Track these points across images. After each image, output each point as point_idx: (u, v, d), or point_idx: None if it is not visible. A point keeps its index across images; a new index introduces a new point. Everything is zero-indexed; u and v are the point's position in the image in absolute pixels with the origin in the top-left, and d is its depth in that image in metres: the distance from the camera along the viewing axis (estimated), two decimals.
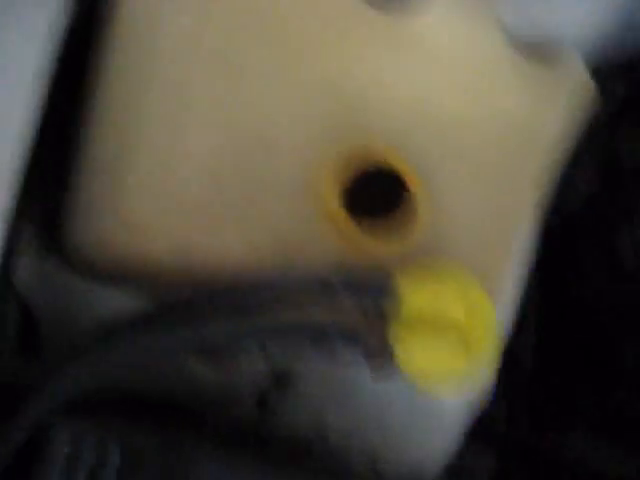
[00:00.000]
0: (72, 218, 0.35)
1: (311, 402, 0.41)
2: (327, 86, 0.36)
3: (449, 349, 0.33)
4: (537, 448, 0.52)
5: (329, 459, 0.41)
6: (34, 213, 0.38)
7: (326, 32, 0.36)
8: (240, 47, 0.35)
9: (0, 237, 0.32)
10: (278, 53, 0.35)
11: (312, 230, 0.36)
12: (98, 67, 0.35)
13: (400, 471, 0.43)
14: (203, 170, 0.35)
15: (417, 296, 0.33)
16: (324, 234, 0.36)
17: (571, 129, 0.40)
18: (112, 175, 0.35)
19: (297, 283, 0.33)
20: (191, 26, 0.34)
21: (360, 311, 0.33)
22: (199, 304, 0.33)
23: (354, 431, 0.42)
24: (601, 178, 0.51)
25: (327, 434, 0.41)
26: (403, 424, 0.42)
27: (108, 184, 0.35)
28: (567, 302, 0.52)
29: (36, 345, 0.39)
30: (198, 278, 0.35)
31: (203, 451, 0.34)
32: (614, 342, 0.50)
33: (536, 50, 0.41)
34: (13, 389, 0.33)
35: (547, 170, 0.40)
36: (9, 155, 0.32)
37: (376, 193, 0.37)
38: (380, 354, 0.33)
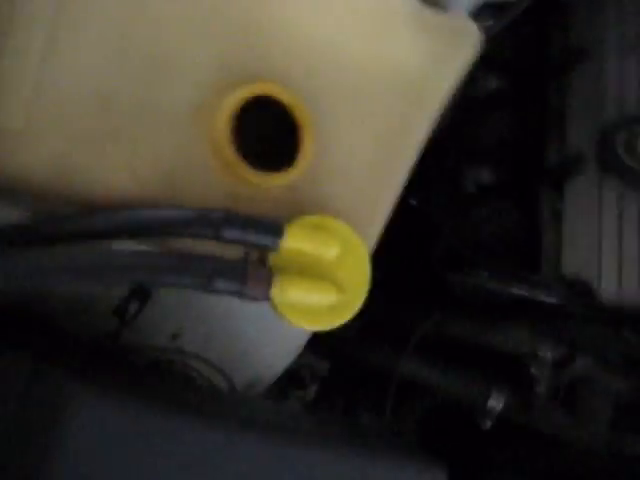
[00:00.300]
0: None
1: (168, 312, 0.42)
2: (228, 10, 0.35)
3: (322, 289, 0.35)
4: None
5: (183, 368, 0.42)
6: None
7: None
8: None
9: None
10: None
11: (199, 162, 0.35)
12: None
13: (247, 375, 0.46)
14: (90, 86, 0.33)
15: (296, 238, 0.34)
16: (211, 166, 0.35)
17: (458, 75, 0.41)
18: None
19: (181, 213, 0.33)
20: None
21: (242, 247, 0.34)
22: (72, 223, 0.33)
23: (207, 342, 0.43)
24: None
25: (182, 344, 0.43)
26: (252, 337, 0.44)
27: None
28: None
29: None
30: (77, 199, 0.33)
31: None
32: None
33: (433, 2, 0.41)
34: None
35: (433, 114, 0.41)
36: None
37: (264, 126, 0.37)
38: (256, 291, 0.33)
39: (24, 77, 0.32)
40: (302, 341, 0.46)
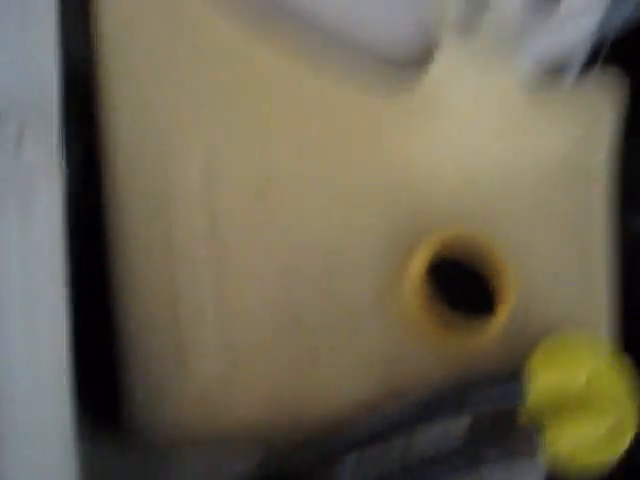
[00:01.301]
0: (135, 398, 0.33)
1: None
2: (374, 184, 0.34)
3: (589, 420, 0.31)
4: None
5: None
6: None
7: (354, 133, 0.34)
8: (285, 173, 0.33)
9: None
10: (319, 165, 0.33)
11: (406, 339, 0.33)
12: None
13: None
14: (274, 311, 0.32)
15: (541, 377, 0.31)
16: (417, 336, 0.33)
17: (612, 142, 0.38)
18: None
19: (425, 402, 0.31)
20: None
21: (495, 414, 0.31)
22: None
23: None
24: None
25: None
26: None
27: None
28: None
29: None
30: (293, 427, 0.32)
31: None
32: None
33: (555, 79, 0.38)
34: None
35: (607, 192, 0.38)
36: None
37: (456, 281, 0.34)
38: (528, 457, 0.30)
39: (204, 331, 0.32)
40: None
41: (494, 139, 0.35)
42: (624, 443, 0.31)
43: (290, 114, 0.34)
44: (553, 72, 0.39)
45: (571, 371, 0.31)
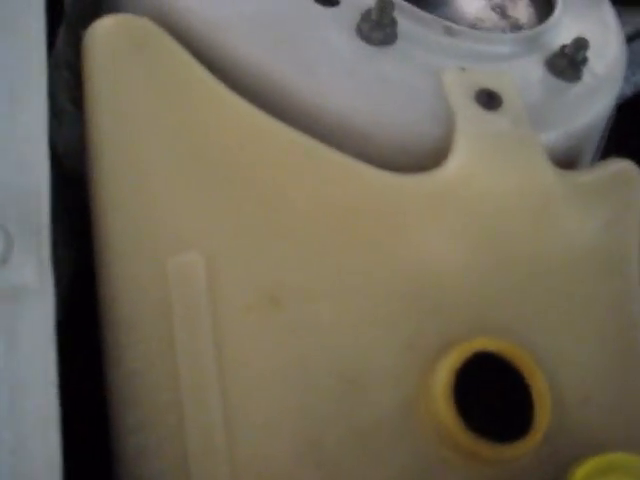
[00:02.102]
0: None
1: None
2: (396, 285, 0.31)
3: None
4: None
5: None
6: None
7: (374, 228, 0.31)
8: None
9: None
10: (335, 267, 0.31)
11: (433, 459, 0.29)
12: None
13: None
14: (288, 439, 0.29)
15: None
16: (449, 458, 0.29)
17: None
18: None
19: None
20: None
21: None
22: None
23: None
24: None
25: None
26: None
27: None
28: None
29: None
30: None
31: None
32: None
33: (580, 156, 0.36)
34: None
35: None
36: None
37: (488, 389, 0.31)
38: None
39: (215, 456, 0.28)
40: None
41: (524, 225, 0.33)
42: None
43: (304, 205, 0.31)
44: (577, 150, 0.37)
45: None
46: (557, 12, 0.39)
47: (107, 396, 0.30)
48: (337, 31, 0.34)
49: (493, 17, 0.40)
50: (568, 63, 0.37)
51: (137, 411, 0.29)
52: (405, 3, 0.35)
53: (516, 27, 0.40)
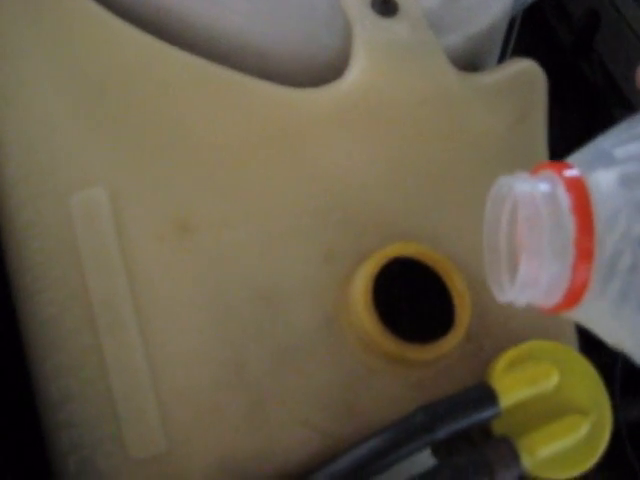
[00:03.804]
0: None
1: None
2: (303, 204, 0.31)
3: (567, 426, 0.29)
4: None
5: None
6: None
7: (277, 148, 0.31)
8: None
9: None
10: (242, 191, 0.30)
11: (360, 366, 0.29)
12: None
13: None
14: (214, 363, 0.28)
15: (511, 389, 0.29)
16: (374, 364, 0.29)
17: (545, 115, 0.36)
18: None
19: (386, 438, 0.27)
20: None
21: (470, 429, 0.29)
22: None
23: None
24: None
25: None
26: None
27: None
28: None
29: None
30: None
31: None
32: None
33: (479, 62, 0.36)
34: None
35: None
36: None
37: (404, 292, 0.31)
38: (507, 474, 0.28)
39: (140, 393, 0.28)
40: None
41: (430, 130, 0.33)
42: (604, 441, 0.29)
43: (207, 130, 0.30)
44: (478, 52, 0.37)
45: (539, 378, 0.29)
46: None
47: (24, 344, 0.29)
48: None
49: None
50: None
51: (56, 357, 0.28)
52: None
53: None
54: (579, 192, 0.21)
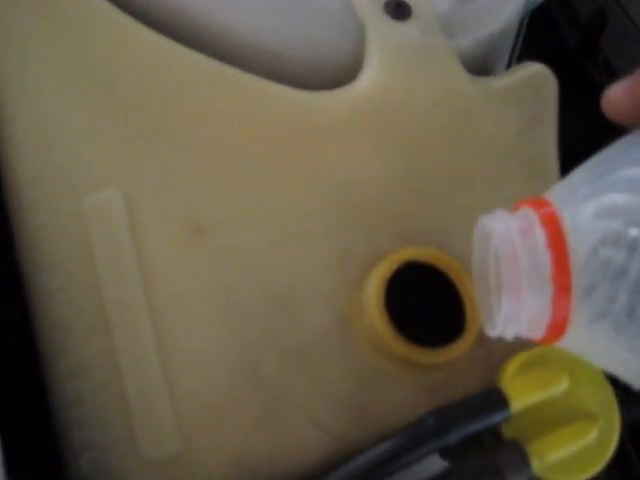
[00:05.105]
0: None
1: None
2: (318, 207, 0.31)
3: (577, 430, 0.29)
4: None
5: None
6: None
7: (292, 153, 0.31)
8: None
9: None
10: (258, 195, 0.30)
11: (372, 369, 0.30)
12: None
13: None
14: (223, 362, 0.29)
15: (522, 392, 0.29)
16: (386, 367, 0.30)
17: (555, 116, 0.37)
18: None
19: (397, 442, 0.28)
20: None
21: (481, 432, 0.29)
22: None
23: None
24: None
25: None
26: None
27: None
28: None
29: None
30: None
31: None
32: None
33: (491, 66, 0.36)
34: None
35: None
36: None
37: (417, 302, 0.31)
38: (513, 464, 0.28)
39: (154, 394, 0.28)
40: None
41: (443, 134, 0.33)
42: (613, 445, 0.30)
43: (221, 132, 0.30)
44: (489, 56, 0.37)
45: (549, 382, 0.30)
46: None
47: (38, 345, 0.30)
48: None
49: None
50: None
51: (69, 358, 0.29)
52: None
53: None
54: (553, 227, 0.22)
